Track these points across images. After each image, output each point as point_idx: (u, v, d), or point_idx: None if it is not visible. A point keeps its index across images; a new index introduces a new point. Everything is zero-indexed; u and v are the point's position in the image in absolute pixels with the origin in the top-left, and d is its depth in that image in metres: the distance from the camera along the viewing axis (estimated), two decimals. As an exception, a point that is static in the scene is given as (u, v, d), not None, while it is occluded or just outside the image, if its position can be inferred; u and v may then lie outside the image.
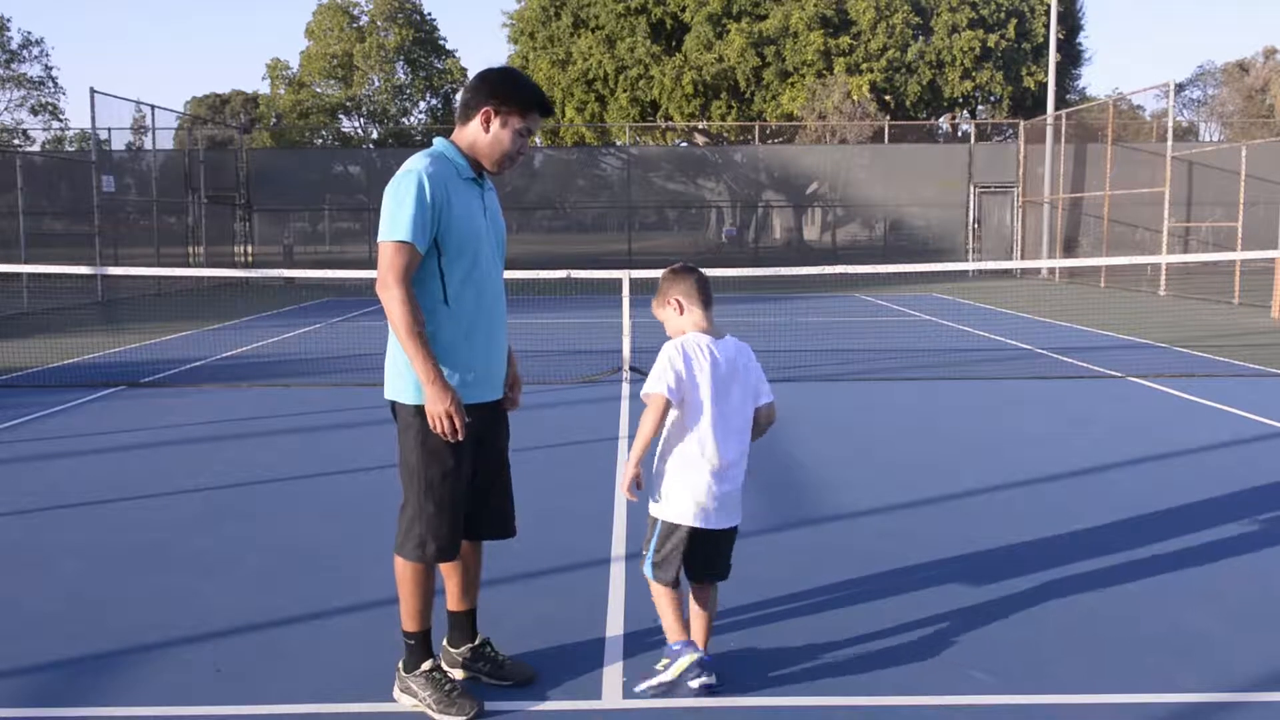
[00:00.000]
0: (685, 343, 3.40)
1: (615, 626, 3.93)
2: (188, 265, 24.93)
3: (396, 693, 3.38)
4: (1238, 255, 11.80)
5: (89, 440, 7.47)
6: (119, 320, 16.66)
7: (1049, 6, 28.00)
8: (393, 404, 3.32)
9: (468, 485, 3.33)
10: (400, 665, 3.40)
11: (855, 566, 4.57)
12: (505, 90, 3.26)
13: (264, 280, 25.13)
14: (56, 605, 4.21)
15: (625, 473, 3.37)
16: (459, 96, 3.40)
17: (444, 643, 3.57)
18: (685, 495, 3.37)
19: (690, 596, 3.52)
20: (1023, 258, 26.93)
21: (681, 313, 3.45)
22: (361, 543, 4.97)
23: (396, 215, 3.14)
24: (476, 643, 3.54)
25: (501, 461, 3.51)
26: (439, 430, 3.14)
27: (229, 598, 4.26)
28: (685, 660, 3.33)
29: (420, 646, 3.36)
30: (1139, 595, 4.23)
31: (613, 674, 3.54)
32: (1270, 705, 3.32)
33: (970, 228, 28.10)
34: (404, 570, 3.33)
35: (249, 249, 28.53)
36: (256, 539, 5.09)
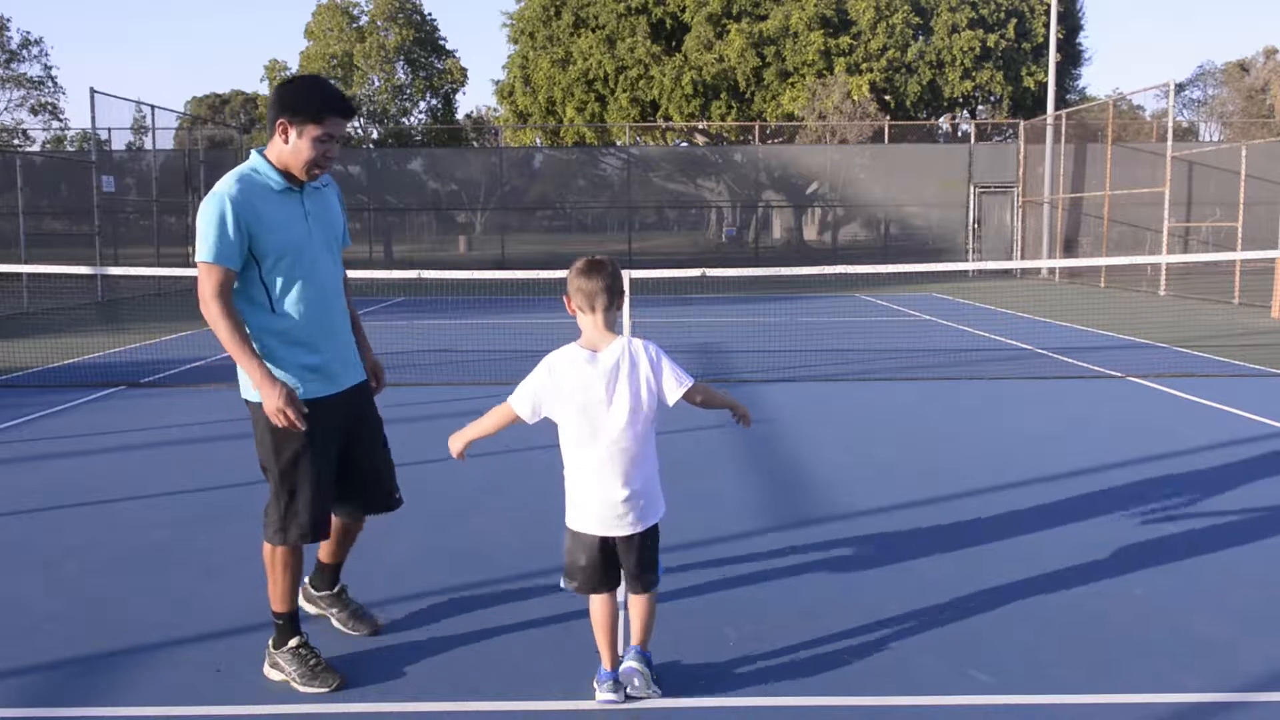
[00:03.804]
0: (555, 362, 3.24)
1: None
2: (188, 265, 24.89)
3: (266, 668, 3.56)
4: (1238, 255, 11.78)
5: (89, 440, 7.47)
6: (119, 320, 16.66)
7: (1049, 6, 28.01)
8: (246, 402, 3.47)
9: (335, 470, 3.53)
10: (270, 643, 3.57)
11: (855, 566, 4.58)
12: (295, 101, 3.34)
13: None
14: (57, 605, 4.21)
15: (453, 445, 3.44)
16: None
17: (305, 580, 3.79)
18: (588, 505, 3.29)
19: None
20: (1023, 258, 26.93)
21: (575, 316, 3.25)
22: (360, 543, 4.95)
23: (204, 238, 3.30)
24: (335, 589, 3.93)
25: (377, 439, 3.72)
26: (282, 425, 3.31)
27: (229, 598, 4.27)
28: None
29: (288, 626, 3.55)
30: (1139, 595, 4.23)
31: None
32: (1271, 705, 3.32)
33: (970, 228, 28.10)
34: (269, 554, 3.52)
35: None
36: (257, 539, 5.06)
